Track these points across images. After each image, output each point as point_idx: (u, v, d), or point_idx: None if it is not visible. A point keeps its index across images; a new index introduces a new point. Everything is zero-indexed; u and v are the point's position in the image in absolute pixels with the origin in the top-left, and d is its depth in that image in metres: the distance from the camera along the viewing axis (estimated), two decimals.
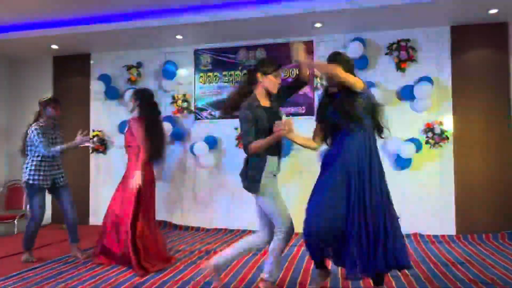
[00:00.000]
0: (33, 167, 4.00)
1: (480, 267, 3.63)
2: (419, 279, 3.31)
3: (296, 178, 5.20)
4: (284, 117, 2.84)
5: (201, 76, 5.83)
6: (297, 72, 3.15)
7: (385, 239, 2.61)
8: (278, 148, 2.89)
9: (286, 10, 4.70)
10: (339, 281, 3.30)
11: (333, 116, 2.79)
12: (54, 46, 5.87)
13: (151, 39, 5.62)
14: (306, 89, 5.20)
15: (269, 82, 2.85)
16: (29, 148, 4.05)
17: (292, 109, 5.39)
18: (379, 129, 2.85)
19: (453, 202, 5.02)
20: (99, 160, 6.12)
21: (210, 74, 5.80)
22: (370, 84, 5.04)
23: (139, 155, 3.75)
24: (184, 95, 5.80)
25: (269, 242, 2.91)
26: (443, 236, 4.86)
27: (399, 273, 3.45)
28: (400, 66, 5.15)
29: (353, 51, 5.06)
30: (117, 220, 3.77)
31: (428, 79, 4.92)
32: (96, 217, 5.77)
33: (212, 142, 5.55)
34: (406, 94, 5.07)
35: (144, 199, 3.77)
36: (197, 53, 5.84)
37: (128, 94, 5.52)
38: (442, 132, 4.99)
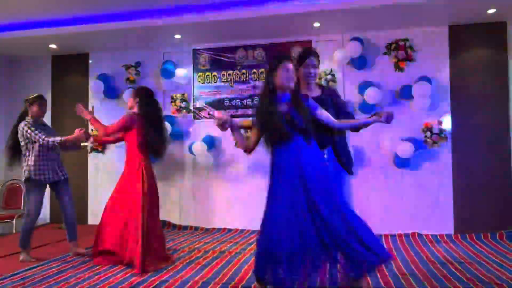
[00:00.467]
0: (32, 163, 3.98)
1: (478, 266, 3.63)
2: (418, 279, 3.31)
3: None
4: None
5: (200, 76, 5.83)
6: None
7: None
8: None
9: (284, 9, 4.70)
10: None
11: (299, 121, 2.68)
12: (53, 46, 5.86)
13: (150, 39, 5.62)
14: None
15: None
16: (25, 145, 4.03)
17: None
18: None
19: (452, 201, 5.03)
20: (98, 159, 6.12)
21: (209, 73, 5.80)
22: (369, 84, 5.06)
23: (133, 150, 3.82)
24: (183, 94, 5.81)
25: None
26: (441, 235, 4.87)
27: (398, 273, 3.46)
28: (398, 65, 5.16)
29: (352, 50, 5.07)
30: (122, 218, 3.74)
31: (426, 79, 4.93)
32: (95, 217, 5.76)
33: (210, 142, 5.55)
34: (405, 93, 5.08)
35: (150, 195, 3.76)
36: (195, 53, 5.84)
37: (128, 93, 5.52)
38: (441, 131, 5.00)
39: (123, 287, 3.18)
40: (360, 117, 5.14)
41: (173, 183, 5.83)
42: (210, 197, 5.73)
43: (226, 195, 5.65)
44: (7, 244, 4.78)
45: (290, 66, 2.73)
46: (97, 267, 3.71)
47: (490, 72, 5.02)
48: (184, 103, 5.79)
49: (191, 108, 5.82)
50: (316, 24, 5.07)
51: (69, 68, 6.26)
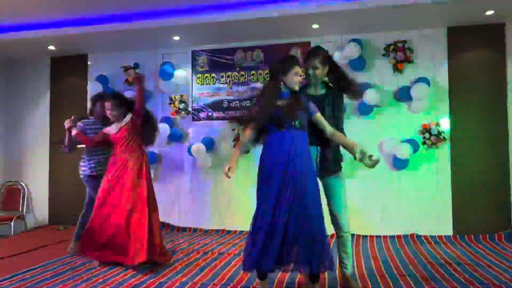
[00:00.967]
0: (96, 161, 4.24)
1: (477, 267, 3.64)
2: (416, 279, 3.31)
3: None
4: None
5: (198, 77, 5.83)
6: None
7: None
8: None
9: (283, 11, 4.70)
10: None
11: (295, 115, 2.87)
12: (52, 47, 5.86)
13: (149, 40, 5.62)
14: None
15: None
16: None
17: None
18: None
19: (450, 202, 5.03)
20: None
21: (207, 75, 5.80)
22: (367, 85, 5.07)
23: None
24: (182, 96, 5.81)
25: None
26: (440, 236, 4.88)
27: (397, 274, 3.46)
28: (397, 67, 5.16)
29: (350, 52, 5.08)
30: (114, 210, 3.78)
31: (425, 80, 4.94)
32: None
33: (209, 143, 5.55)
34: (403, 95, 5.09)
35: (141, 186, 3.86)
36: (194, 54, 5.84)
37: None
38: (439, 133, 5.01)
39: None
40: (360, 118, 5.21)
41: (172, 184, 5.82)
42: (209, 199, 5.73)
43: (225, 196, 5.65)
44: (6, 246, 4.77)
45: (300, 71, 2.92)
46: (96, 269, 3.71)
47: (488, 74, 5.03)
48: (183, 104, 5.79)
49: (190, 109, 5.82)
50: (315, 26, 5.08)
51: (68, 69, 6.25)
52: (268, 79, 3.07)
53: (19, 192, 6.02)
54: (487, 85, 5.02)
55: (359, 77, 5.20)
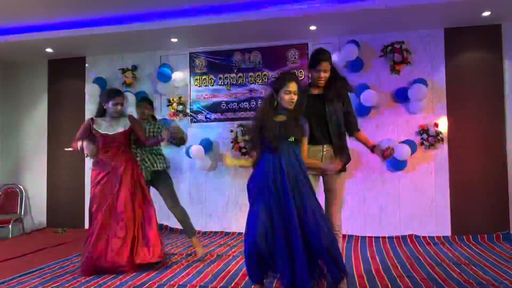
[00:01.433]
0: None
1: (475, 268, 3.64)
2: (415, 280, 3.31)
3: None
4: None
5: (196, 79, 5.83)
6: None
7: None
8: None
9: (281, 13, 4.71)
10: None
11: (290, 132, 2.87)
12: (49, 50, 5.85)
13: (146, 42, 5.62)
14: None
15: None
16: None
17: None
18: None
19: (448, 203, 5.05)
20: None
21: (206, 77, 5.81)
22: (365, 87, 5.08)
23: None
24: (180, 98, 5.81)
25: None
26: (438, 237, 4.89)
27: (395, 275, 3.47)
28: (394, 68, 5.18)
29: (348, 53, 5.09)
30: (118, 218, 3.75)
31: (422, 81, 4.95)
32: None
33: (207, 145, 5.55)
34: (401, 96, 5.10)
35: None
36: (192, 56, 5.85)
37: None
38: (437, 133, 5.02)
39: None
40: (358, 119, 5.20)
41: None
42: (207, 201, 5.73)
43: (223, 198, 5.65)
44: (5, 249, 4.76)
45: (294, 87, 2.85)
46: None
47: (485, 74, 5.05)
48: (181, 106, 5.79)
49: (188, 111, 5.82)
50: (312, 28, 5.09)
51: (66, 72, 6.24)
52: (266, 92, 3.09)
53: (17, 195, 6.01)
54: (484, 86, 5.04)
55: (357, 79, 5.23)
